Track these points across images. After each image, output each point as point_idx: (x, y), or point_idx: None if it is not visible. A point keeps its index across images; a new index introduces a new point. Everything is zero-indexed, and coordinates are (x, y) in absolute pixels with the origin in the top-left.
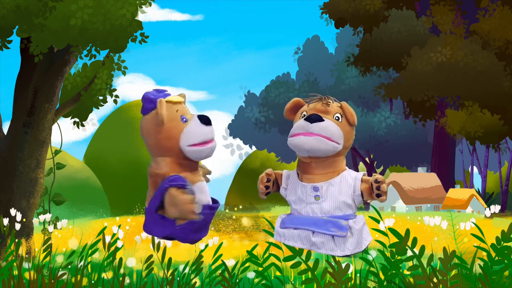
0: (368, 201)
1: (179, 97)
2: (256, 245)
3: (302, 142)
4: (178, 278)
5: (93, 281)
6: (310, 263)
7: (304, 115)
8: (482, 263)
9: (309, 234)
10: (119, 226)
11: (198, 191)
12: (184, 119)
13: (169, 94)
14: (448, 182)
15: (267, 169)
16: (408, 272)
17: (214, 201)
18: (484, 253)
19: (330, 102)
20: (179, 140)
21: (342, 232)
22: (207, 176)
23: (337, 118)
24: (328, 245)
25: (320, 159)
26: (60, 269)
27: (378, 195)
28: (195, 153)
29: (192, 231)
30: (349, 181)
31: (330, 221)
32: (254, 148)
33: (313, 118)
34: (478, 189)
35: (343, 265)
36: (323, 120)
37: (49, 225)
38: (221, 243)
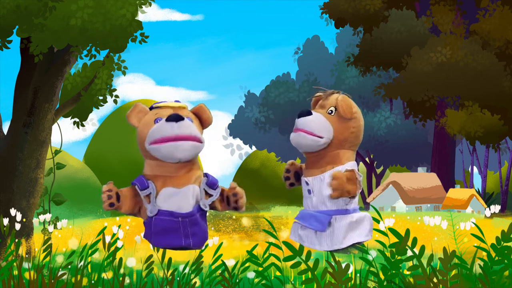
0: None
1: (174, 103)
2: (256, 245)
3: (291, 139)
4: (178, 278)
5: (93, 281)
6: (310, 263)
7: None
8: (482, 263)
9: (298, 227)
10: (119, 226)
11: (169, 195)
12: (157, 121)
13: (178, 101)
14: (448, 182)
15: (290, 160)
16: (408, 272)
17: (199, 209)
18: (484, 253)
19: (329, 96)
20: (145, 140)
21: (321, 226)
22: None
23: (330, 111)
24: (311, 239)
25: (313, 153)
26: (60, 269)
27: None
28: (155, 151)
29: (154, 234)
30: None
31: (313, 215)
32: (254, 148)
33: (301, 114)
34: (478, 189)
35: (343, 265)
36: (310, 115)
37: (49, 225)
38: (221, 243)
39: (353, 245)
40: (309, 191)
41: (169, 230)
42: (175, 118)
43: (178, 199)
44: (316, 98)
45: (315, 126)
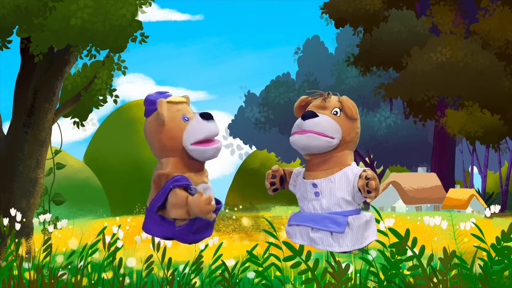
0: (368, 200)
1: (181, 97)
2: (256, 245)
3: (296, 141)
4: (178, 278)
5: (93, 281)
6: (310, 263)
7: None
8: (482, 263)
9: (308, 230)
10: (119, 226)
11: (205, 190)
12: (185, 118)
13: (170, 95)
14: (448, 182)
15: (274, 166)
16: (408, 272)
17: (218, 202)
18: (484, 253)
19: (329, 98)
20: (182, 139)
21: (339, 228)
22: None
23: (335, 112)
24: (327, 241)
25: (319, 155)
26: (60, 269)
27: (368, 192)
28: (199, 152)
29: (192, 232)
30: (350, 177)
31: (328, 217)
32: (254, 148)
33: (306, 115)
34: (478, 189)
35: (343, 265)
36: (317, 116)
37: (49, 225)
38: (221, 243)
39: None
40: (316, 194)
41: (207, 225)
42: (212, 116)
43: (209, 193)
44: (302, 102)
45: (326, 127)
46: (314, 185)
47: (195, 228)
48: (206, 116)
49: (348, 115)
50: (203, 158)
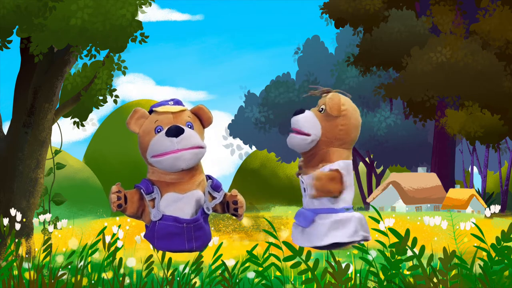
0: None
1: (175, 107)
2: (256, 245)
3: (287, 141)
4: (178, 278)
5: (93, 281)
6: (310, 263)
7: None
8: (482, 263)
9: (295, 225)
10: (119, 226)
11: (172, 200)
12: (158, 130)
13: (166, 103)
14: (448, 182)
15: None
16: (408, 272)
17: (203, 213)
18: (484, 253)
19: (319, 92)
20: (147, 151)
21: (305, 223)
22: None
23: (320, 109)
24: (297, 236)
25: (305, 153)
26: (60, 269)
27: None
28: (157, 164)
29: (157, 238)
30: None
31: (303, 212)
32: (254, 148)
33: (295, 112)
34: (478, 189)
35: (343, 265)
36: (302, 113)
37: (49, 225)
38: (221, 243)
39: (337, 245)
40: (304, 190)
41: (173, 235)
42: (175, 133)
43: (182, 204)
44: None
45: (303, 124)
46: (302, 182)
47: (158, 235)
48: (169, 132)
49: (327, 113)
50: (165, 168)
